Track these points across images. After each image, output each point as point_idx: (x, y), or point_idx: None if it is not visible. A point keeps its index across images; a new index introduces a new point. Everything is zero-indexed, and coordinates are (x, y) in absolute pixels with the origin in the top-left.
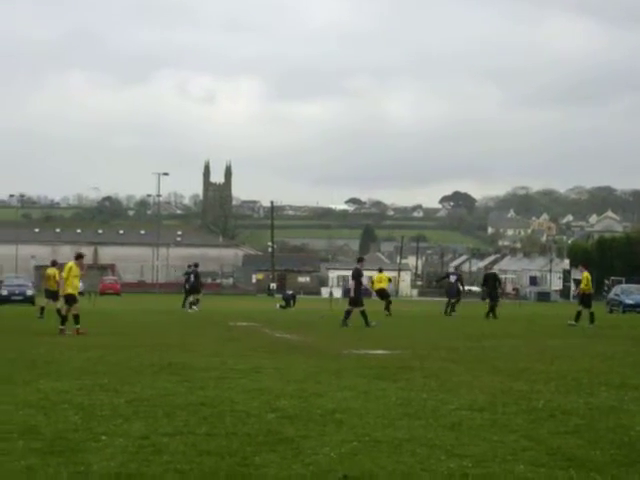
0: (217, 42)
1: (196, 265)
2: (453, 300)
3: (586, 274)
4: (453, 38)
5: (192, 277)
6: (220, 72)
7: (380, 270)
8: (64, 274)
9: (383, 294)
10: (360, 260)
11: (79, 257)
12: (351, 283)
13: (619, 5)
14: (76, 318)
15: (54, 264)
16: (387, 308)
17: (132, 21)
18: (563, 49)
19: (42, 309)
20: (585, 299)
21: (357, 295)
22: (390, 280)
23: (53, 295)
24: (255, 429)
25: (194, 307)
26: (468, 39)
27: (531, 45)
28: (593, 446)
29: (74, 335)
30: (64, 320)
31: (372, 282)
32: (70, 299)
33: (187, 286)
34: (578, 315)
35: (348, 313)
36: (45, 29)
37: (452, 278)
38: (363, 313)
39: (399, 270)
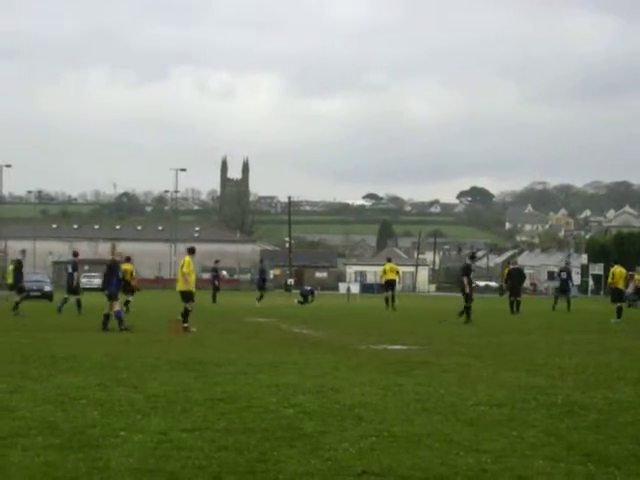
0: (235, 38)
1: (261, 261)
2: (569, 296)
3: (613, 269)
4: (471, 33)
5: (258, 274)
6: (238, 68)
7: (389, 260)
8: (185, 269)
9: (392, 286)
10: (472, 256)
11: (193, 251)
12: (464, 279)
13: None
14: (185, 315)
15: (128, 260)
16: (393, 302)
17: (149, 17)
18: (580, 43)
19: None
20: (612, 294)
21: (469, 290)
22: (398, 272)
23: (129, 290)
24: (273, 424)
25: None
26: (485, 34)
27: (548, 39)
28: (611, 441)
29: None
30: (184, 317)
31: (383, 272)
32: (187, 296)
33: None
34: (619, 312)
35: (468, 309)
36: (64, 26)
37: (564, 275)
38: (468, 309)
39: (417, 265)
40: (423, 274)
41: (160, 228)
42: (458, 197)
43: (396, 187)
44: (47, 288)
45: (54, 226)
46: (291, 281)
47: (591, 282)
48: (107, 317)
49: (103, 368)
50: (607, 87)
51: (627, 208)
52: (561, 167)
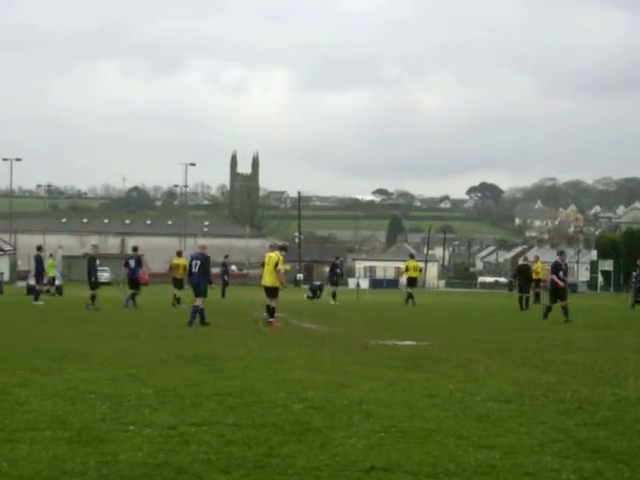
0: (247, 31)
1: (337, 257)
2: None
3: None
4: (483, 27)
5: (338, 269)
6: (249, 62)
7: (412, 256)
8: (280, 266)
9: (414, 283)
10: (561, 253)
11: (284, 249)
12: (552, 277)
13: None
14: (272, 311)
15: (180, 254)
16: (412, 298)
17: (161, 10)
18: (593, 38)
19: (178, 299)
20: None
21: (560, 288)
22: (420, 270)
23: (180, 283)
24: (282, 419)
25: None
26: (498, 28)
27: (560, 34)
28: (620, 438)
29: (267, 327)
30: (271, 313)
31: (406, 269)
32: (276, 292)
33: (334, 279)
34: None
35: (550, 309)
36: (75, 18)
37: None
38: (565, 308)
39: (426, 261)
40: (433, 270)
41: (170, 223)
42: (468, 193)
43: (406, 182)
44: (57, 282)
45: (64, 220)
46: (300, 276)
47: (600, 278)
48: (201, 311)
49: (113, 363)
50: (618, 82)
51: (637, 204)
52: (571, 163)
